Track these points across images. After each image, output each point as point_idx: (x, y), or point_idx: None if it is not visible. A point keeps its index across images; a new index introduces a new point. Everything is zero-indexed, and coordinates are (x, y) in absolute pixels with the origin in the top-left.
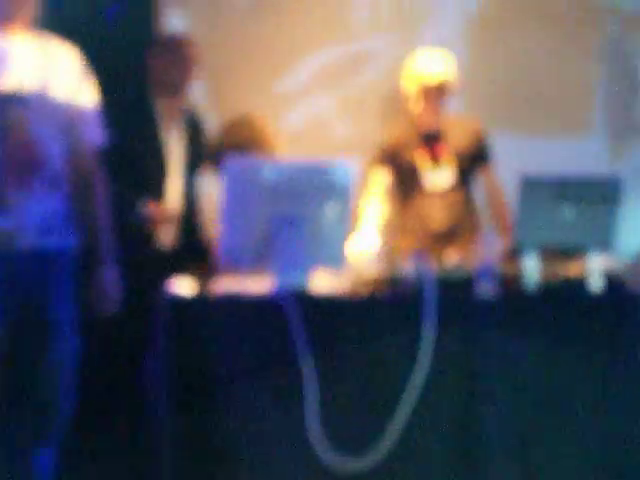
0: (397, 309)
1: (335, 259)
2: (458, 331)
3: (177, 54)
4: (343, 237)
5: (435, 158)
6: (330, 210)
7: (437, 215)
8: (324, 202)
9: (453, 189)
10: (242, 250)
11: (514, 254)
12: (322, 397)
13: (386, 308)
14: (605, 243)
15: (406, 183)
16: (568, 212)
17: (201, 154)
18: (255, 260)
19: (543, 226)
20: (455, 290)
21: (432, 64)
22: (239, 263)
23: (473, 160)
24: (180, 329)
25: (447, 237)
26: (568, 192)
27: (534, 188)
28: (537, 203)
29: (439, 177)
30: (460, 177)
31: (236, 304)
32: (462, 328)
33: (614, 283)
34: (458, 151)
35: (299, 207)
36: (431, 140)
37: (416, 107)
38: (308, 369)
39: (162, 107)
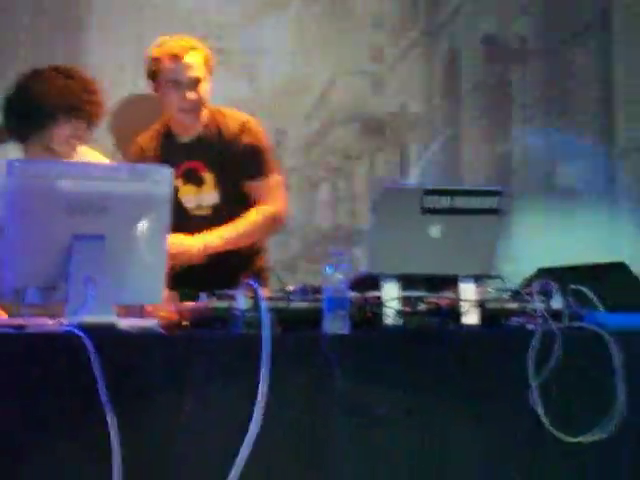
0: (224, 348)
1: (149, 291)
2: (302, 374)
3: None
4: (160, 262)
5: (192, 176)
6: (145, 227)
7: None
8: (137, 217)
9: (219, 211)
10: (29, 278)
11: (368, 282)
12: (128, 452)
13: (210, 347)
14: (482, 268)
15: None
16: (435, 230)
17: None
18: (46, 291)
19: (404, 247)
20: (298, 325)
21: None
22: (25, 295)
23: (239, 176)
24: None
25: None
26: (434, 204)
27: (391, 199)
28: (396, 218)
29: (199, 200)
30: (227, 197)
31: (18, 340)
32: (307, 370)
33: (491, 317)
34: (217, 166)
35: (104, 223)
36: (182, 152)
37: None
38: (112, 423)
39: None
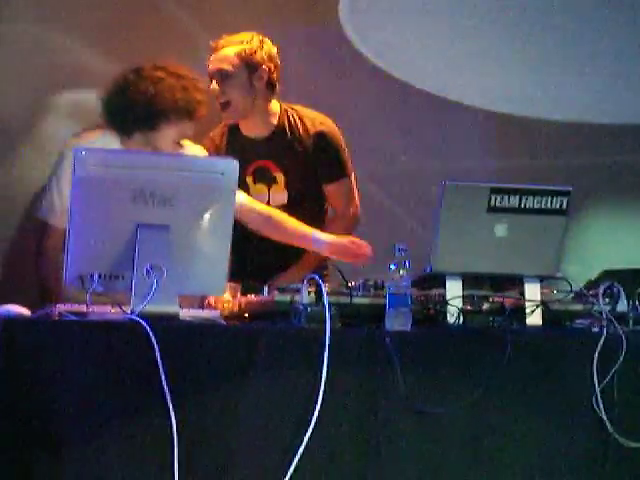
0: (286, 341)
1: (212, 282)
2: (362, 370)
3: None
4: (224, 254)
5: (263, 176)
6: (210, 218)
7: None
8: (202, 208)
9: (286, 211)
10: (93, 266)
11: (432, 279)
12: (188, 441)
13: (271, 340)
14: (548, 269)
15: None
16: (501, 229)
17: None
18: (110, 279)
19: (469, 246)
20: (360, 321)
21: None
22: (89, 283)
23: (311, 178)
24: (10, 357)
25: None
26: (501, 202)
27: (458, 198)
28: (462, 216)
29: (268, 199)
30: (295, 198)
31: (85, 328)
32: (368, 366)
33: (554, 318)
34: (289, 166)
35: (169, 213)
36: (252, 150)
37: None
38: (173, 412)
39: None
